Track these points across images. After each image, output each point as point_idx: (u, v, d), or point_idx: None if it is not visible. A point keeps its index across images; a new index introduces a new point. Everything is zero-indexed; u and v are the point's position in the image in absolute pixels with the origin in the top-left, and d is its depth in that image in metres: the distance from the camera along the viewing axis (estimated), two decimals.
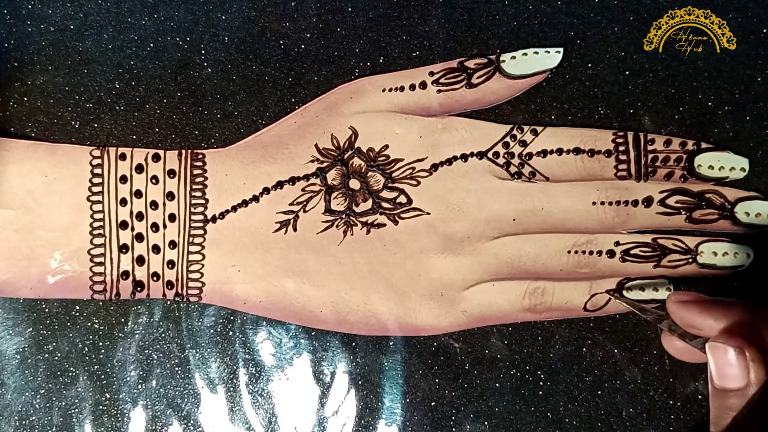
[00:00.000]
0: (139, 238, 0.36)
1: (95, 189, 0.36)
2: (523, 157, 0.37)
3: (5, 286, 0.36)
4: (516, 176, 0.38)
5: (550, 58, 0.38)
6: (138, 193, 0.37)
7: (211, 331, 0.38)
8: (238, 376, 0.38)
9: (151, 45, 0.38)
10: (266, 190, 0.37)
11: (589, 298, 0.37)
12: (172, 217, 0.37)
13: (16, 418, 0.37)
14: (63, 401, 0.37)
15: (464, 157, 0.37)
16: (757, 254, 0.37)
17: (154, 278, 0.37)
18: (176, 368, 0.38)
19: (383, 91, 0.38)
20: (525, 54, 0.38)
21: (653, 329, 0.38)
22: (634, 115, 0.39)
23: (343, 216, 0.37)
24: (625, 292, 0.37)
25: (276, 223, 0.37)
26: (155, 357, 0.38)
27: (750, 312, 0.30)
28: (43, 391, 0.37)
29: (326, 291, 0.37)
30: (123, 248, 0.36)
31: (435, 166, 0.37)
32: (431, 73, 0.38)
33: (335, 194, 0.37)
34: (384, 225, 0.37)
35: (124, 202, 0.36)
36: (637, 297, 0.37)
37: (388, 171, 0.37)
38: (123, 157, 0.37)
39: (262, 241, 0.37)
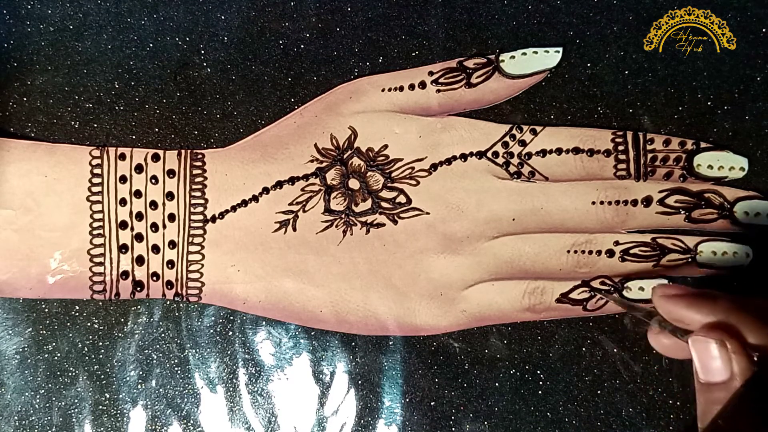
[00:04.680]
0: (139, 238, 0.36)
1: (95, 189, 0.36)
2: (523, 157, 0.37)
3: (5, 286, 0.36)
4: (515, 176, 0.38)
5: (549, 57, 0.38)
6: (137, 193, 0.37)
7: (211, 331, 0.38)
8: (237, 376, 0.38)
9: (151, 45, 0.38)
10: (266, 190, 0.37)
11: (590, 295, 0.37)
12: (171, 217, 0.37)
13: (15, 418, 0.37)
14: (63, 401, 0.37)
15: (463, 156, 0.37)
16: (757, 254, 0.37)
17: (154, 278, 0.37)
18: (176, 368, 0.38)
19: (382, 90, 0.38)
20: (524, 54, 0.38)
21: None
22: (633, 114, 0.39)
23: (343, 216, 0.37)
24: (624, 292, 0.37)
25: (275, 223, 0.37)
26: (155, 357, 0.38)
27: (737, 304, 0.30)
28: (43, 391, 0.37)
29: (326, 291, 0.37)
30: (123, 248, 0.36)
31: (434, 166, 0.37)
32: (430, 73, 0.38)
33: (335, 194, 0.37)
34: (383, 225, 0.37)
35: (123, 202, 0.36)
36: (636, 297, 0.37)
37: (387, 171, 0.37)
38: (122, 157, 0.37)
39: (261, 241, 0.37)
